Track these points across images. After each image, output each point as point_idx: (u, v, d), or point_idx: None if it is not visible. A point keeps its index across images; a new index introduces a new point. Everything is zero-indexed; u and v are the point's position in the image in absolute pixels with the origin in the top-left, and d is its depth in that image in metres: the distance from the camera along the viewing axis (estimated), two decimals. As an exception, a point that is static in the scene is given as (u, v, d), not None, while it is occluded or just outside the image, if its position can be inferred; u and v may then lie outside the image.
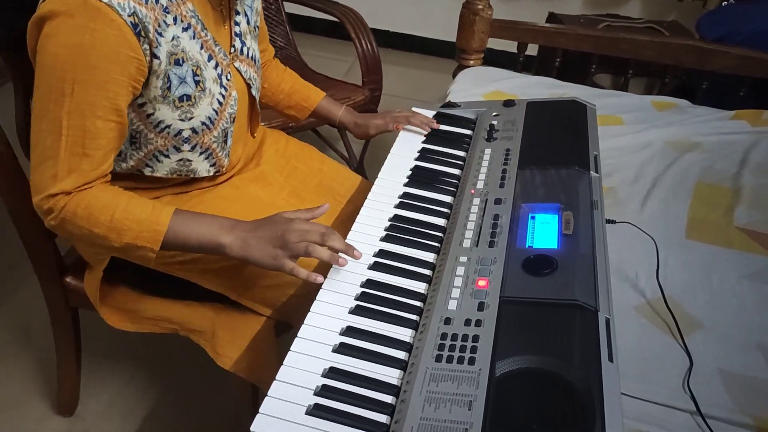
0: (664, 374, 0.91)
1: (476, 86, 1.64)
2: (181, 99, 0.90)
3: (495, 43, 1.77)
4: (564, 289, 0.82)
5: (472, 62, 1.75)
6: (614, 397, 0.69)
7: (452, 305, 0.83)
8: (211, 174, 1.02)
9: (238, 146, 1.08)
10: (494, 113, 1.29)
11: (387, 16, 3.06)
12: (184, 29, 0.88)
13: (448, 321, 0.81)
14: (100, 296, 1.06)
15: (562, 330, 0.77)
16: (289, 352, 0.78)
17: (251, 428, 0.69)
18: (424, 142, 1.25)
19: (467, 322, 0.79)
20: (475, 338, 0.77)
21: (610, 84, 1.85)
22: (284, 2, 2.16)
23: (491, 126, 1.23)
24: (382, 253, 0.95)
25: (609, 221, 1.04)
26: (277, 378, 0.75)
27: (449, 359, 0.75)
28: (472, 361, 0.74)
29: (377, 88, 1.98)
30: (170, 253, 1.00)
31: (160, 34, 0.84)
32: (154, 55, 0.84)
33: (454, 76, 1.77)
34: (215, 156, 1.00)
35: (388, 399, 0.74)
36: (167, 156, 0.95)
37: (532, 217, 0.99)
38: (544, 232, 0.95)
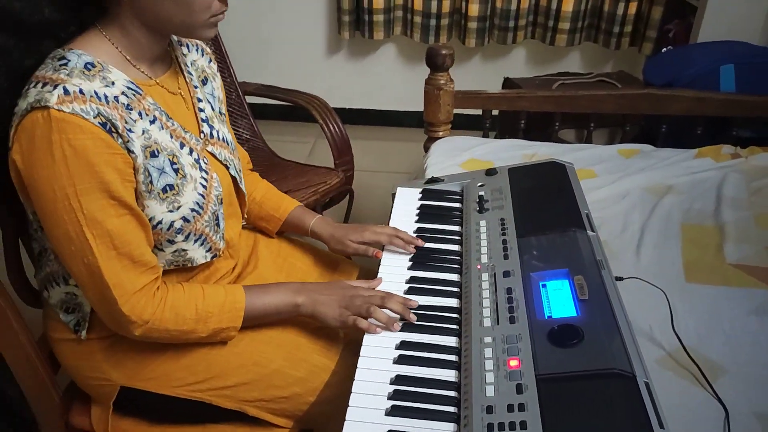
0: (703, 428, 0.90)
1: (451, 157, 1.67)
2: (164, 190, 0.89)
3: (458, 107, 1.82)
4: (597, 359, 0.82)
5: (441, 133, 1.79)
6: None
7: (490, 391, 0.81)
8: (209, 259, 0.99)
9: (231, 228, 1.05)
10: (479, 183, 1.31)
11: (342, 95, 3.13)
12: (151, 122, 0.88)
13: (490, 409, 0.79)
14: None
15: (605, 403, 0.76)
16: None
17: None
18: (417, 221, 1.25)
19: (510, 408, 0.78)
20: (523, 424, 0.75)
21: (575, 138, 1.93)
22: (245, 95, 2.19)
23: (480, 197, 1.25)
24: (404, 345, 0.94)
25: (617, 278, 1.05)
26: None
27: (501, 452, 0.73)
28: (526, 451, 0.72)
29: (350, 168, 2.00)
30: (180, 376, 0.96)
31: (130, 130, 0.84)
32: (129, 150, 0.84)
33: (425, 148, 1.81)
34: (210, 241, 0.98)
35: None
36: (161, 249, 0.93)
37: (543, 285, 0.99)
38: (559, 299, 0.95)
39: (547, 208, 1.19)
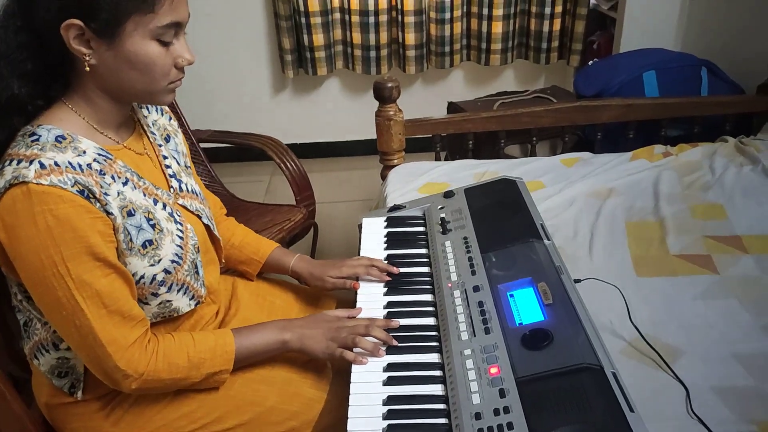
0: (669, 407, 1.00)
1: (408, 183, 1.76)
2: (144, 246, 0.93)
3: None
4: (567, 356, 0.90)
5: (396, 161, 1.88)
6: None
7: (476, 399, 0.88)
8: (192, 306, 1.02)
9: (210, 274, 1.09)
10: (439, 206, 1.40)
11: (292, 131, 3.19)
12: (124, 183, 0.92)
13: (478, 416, 0.86)
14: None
15: (580, 395, 0.84)
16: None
17: None
18: (386, 249, 1.32)
19: (496, 412, 0.85)
20: (510, 425, 0.82)
21: (520, 152, 2.05)
22: (199, 143, 2.22)
23: (442, 219, 1.33)
24: (390, 366, 1.00)
25: (576, 281, 1.14)
26: None
27: (494, 452, 0.80)
28: (515, 449, 0.79)
29: (311, 203, 2.06)
30: (180, 424, 1.00)
31: (106, 194, 0.88)
32: (108, 213, 0.88)
33: (383, 177, 1.89)
34: (192, 289, 1.02)
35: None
36: (147, 303, 0.96)
37: (511, 296, 1.08)
38: (527, 306, 1.03)
39: (505, 223, 1.28)
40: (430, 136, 1.96)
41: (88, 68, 0.87)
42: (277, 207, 2.06)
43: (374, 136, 1.85)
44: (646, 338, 1.11)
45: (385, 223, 1.42)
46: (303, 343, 1.03)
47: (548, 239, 1.21)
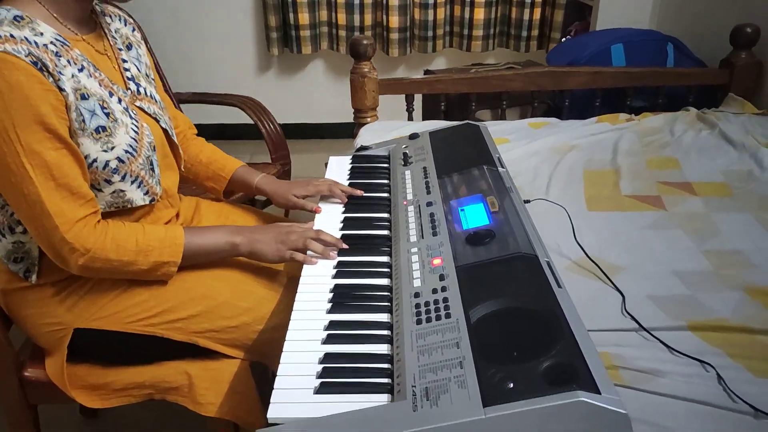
0: (604, 308, 1.04)
1: (378, 137, 1.80)
2: (97, 131, 0.95)
3: (384, 101, 1.97)
4: (506, 248, 0.95)
5: (369, 119, 1.93)
6: (573, 313, 0.81)
7: (417, 283, 0.93)
8: (147, 202, 1.04)
9: (167, 178, 1.12)
10: (404, 146, 1.45)
11: (276, 111, 3.18)
12: (80, 70, 0.95)
13: (417, 294, 0.90)
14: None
15: (514, 277, 0.89)
16: (284, 353, 0.84)
17: (268, 415, 0.73)
18: (348, 179, 1.37)
19: (434, 291, 0.89)
20: (445, 299, 0.86)
21: (490, 117, 2.10)
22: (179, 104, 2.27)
23: (404, 154, 1.38)
24: (341, 264, 1.04)
25: (525, 201, 1.19)
26: (279, 373, 0.80)
27: (428, 319, 0.84)
28: (448, 316, 0.83)
29: (287, 162, 2.11)
30: (133, 312, 1.03)
31: (60, 72, 0.91)
32: (60, 89, 0.90)
33: (354, 135, 1.94)
34: (146, 184, 1.03)
35: (384, 365, 0.81)
36: (100, 190, 0.98)
37: (462, 210, 1.12)
38: (475, 215, 1.08)
39: (463, 155, 1.33)
40: (405, 103, 2.01)
41: None
42: (253, 164, 2.09)
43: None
44: (590, 256, 1.16)
45: (351, 161, 1.46)
46: (253, 246, 1.06)
47: (503, 167, 1.26)
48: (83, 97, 0.94)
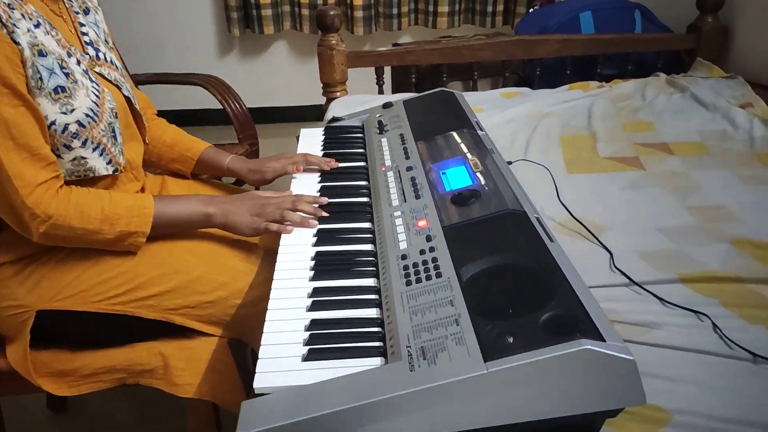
0: (592, 266, 1.02)
1: (349, 111, 1.75)
2: (56, 91, 0.89)
3: (353, 75, 1.91)
4: (493, 206, 0.91)
5: (338, 94, 1.88)
6: (569, 265, 0.78)
7: (403, 245, 0.89)
8: (110, 172, 0.98)
9: (131, 149, 1.06)
10: (377, 115, 1.40)
11: (240, 94, 3.15)
12: (35, 26, 0.89)
13: (404, 257, 0.86)
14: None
15: (504, 234, 0.86)
16: (267, 322, 0.79)
17: (254, 385, 0.68)
18: (322, 151, 1.31)
19: (422, 252, 0.85)
20: (434, 260, 0.83)
21: (462, 88, 2.07)
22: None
23: (380, 122, 1.34)
24: (321, 231, 0.99)
25: (508, 162, 1.16)
26: (263, 342, 0.75)
27: (418, 280, 0.80)
28: (439, 275, 0.79)
29: (254, 142, 2.04)
30: (100, 290, 0.96)
31: (14, 24, 0.84)
32: (15, 42, 0.84)
33: (324, 110, 1.88)
34: (108, 153, 0.97)
35: (375, 329, 0.77)
36: (60, 156, 0.92)
37: (443, 173, 1.09)
38: (457, 177, 1.04)
39: (440, 120, 1.29)
40: (375, 77, 1.96)
41: None
42: (219, 145, 2.02)
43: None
44: (576, 217, 1.14)
45: (324, 133, 1.41)
46: (227, 218, 1.00)
47: (482, 131, 1.23)
48: (41, 54, 0.87)
